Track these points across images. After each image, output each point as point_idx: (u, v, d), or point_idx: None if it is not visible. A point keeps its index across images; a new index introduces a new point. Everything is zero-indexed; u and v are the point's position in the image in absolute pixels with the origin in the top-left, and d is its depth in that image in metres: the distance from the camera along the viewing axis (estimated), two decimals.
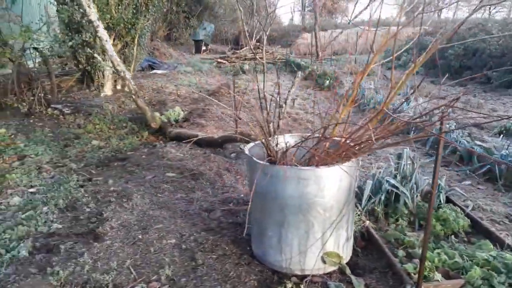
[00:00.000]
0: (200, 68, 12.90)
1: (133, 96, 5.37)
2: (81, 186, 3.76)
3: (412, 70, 1.78)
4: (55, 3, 7.57)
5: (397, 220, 2.98)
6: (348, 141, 2.06)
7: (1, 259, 2.55)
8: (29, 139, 5.17)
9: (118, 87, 8.61)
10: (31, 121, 6.02)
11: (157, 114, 5.76)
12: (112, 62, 5.11)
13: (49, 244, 2.74)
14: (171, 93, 8.52)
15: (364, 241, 2.72)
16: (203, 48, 19.76)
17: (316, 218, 2.23)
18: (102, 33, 4.88)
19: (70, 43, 7.17)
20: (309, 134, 2.58)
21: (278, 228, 2.30)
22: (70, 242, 2.74)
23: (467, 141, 4.68)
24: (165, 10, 13.46)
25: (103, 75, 7.99)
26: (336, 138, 2.26)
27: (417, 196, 3.08)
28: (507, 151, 4.04)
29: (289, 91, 3.10)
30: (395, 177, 3.06)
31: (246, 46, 17.45)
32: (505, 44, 9.75)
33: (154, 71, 11.82)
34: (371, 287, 2.27)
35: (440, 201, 3.07)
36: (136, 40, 8.28)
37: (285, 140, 2.50)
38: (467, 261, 2.37)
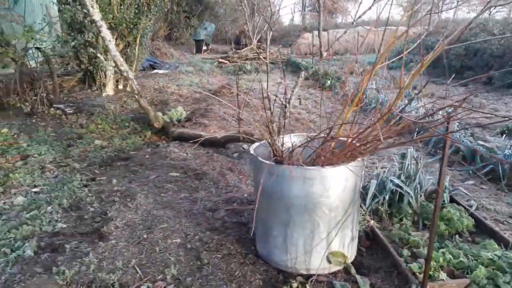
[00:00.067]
0: (202, 68, 12.90)
1: (136, 96, 5.38)
2: (85, 186, 3.77)
3: (419, 70, 1.79)
4: (57, 3, 7.57)
5: (401, 219, 2.99)
6: (354, 141, 2.06)
7: (6, 258, 2.56)
8: (32, 139, 5.17)
9: (120, 87, 8.62)
10: (34, 121, 6.03)
11: (159, 114, 5.76)
12: (115, 62, 5.11)
13: (54, 244, 2.75)
14: (173, 93, 8.53)
15: (368, 241, 2.73)
16: (204, 48, 19.77)
17: (322, 218, 2.24)
18: (105, 33, 4.88)
19: (73, 43, 7.17)
20: (314, 134, 2.59)
21: (284, 227, 2.31)
22: (75, 242, 2.74)
23: (469, 141, 4.68)
24: (166, 10, 13.47)
25: (105, 75, 7.99)
26: (342, 138, 2.26)
27: (421, 195, 3.09)
28: (510, 151, 4.05)
29: (292, 91, 3.10)
30: (399, 176, 3.07)
31: (247, 46, 17.46)
32: (506, 44, 9.75)
33: (156, 71, 11.83)
34: (376, 286, 2.28)
35: (444, 200, 3.07)
36: (138, 40, 8.29)
37: (291, 140, 2.51)
38: (472, 260, 2.38)
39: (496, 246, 2.53)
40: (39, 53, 6.64)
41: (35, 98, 6.42)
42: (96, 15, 4.79)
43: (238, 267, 2.43)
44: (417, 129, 4.53)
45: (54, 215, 3.17)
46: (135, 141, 5.24)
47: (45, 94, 6.62)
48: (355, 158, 2.22)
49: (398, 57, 2.61)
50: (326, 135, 2.24)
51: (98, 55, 6.48)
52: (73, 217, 3.16)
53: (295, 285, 2.24)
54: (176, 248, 2.65)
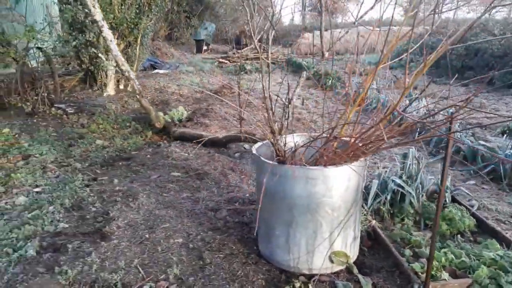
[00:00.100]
0: (202, 68, 12.90)
1: (137, 96, 5.38)
2: (87, 186, 3.77)
3: (422, 70, 1.79)
4: (58, 2, 7.58)
5: (402, 219, 2.99)
6: (357, 141, 2.07)
7: (8, 258, 2.56)
8: (33, 139, 5.18)
9: (121, 86, 8.62)
10: (35, 120, 6.03)
11: (161, 114, 5.77)
12: (116, 62, 5.11)
13: (56, 244, 2.75)
14: (173, 93, 8.53)
15: (370, 241, 2.73)
16: (204, 47, 19.76)
17: (324, 217, 2.24)
18: (107, 33, 4.89)
19: (74, 43, 7.18)
20: (316, 134, 2.59)
21: (286, 227, 2.31)
22: (77, 242, 2.75)
23: (470, 141, 4.69)
24: (166, 9, 13.49)
25: (106, 75, 8.00)
26: (345, 138, 2.27)
27: (422, 195, 3.09)
28: (511, 150, 4.05)
29: (294, 91, 3.10)
30: (400, 176, 3.07)
31: (247, 46, 17.45)
32: (507, 44, 9.76)
33: (156, 70, 11.83)
34: (378, 286, 2.28)
35: (446, 200, 3.08)
36: (139, 40, 8.29)
37: (295, 140, 2.51)
38: (474, 260, 2.38)
39: (498, 246, 2.53)
40: (40, 53, 6.65)
41: (36, 98, 6.43)
42: (98, 15, 4.79)
43: (241, 267, 2.43)
44: (418, 129, 4.54)
45: (56, 215, 3.17)
46: (136, 141, 5.24)
47: (46, 94, 6.63)
48: (358, 158, 2.23)
49: (399, 58, 2.61)
50: (328, 135, 2.24)
51: (100, 55, 6.49)
52: (75, 217, 3.16)
53: (297, 285, 2.24)
54: (178, 248, 2.65)
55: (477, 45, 10.26)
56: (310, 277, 2.33)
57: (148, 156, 4.65)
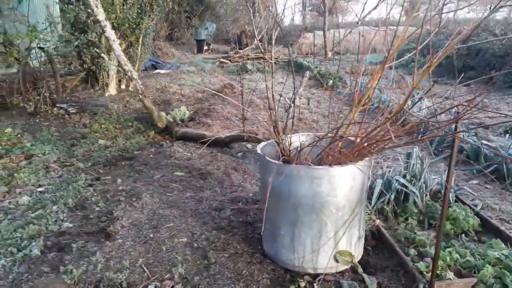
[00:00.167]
0: (203, 68, 12.90)
1: (140, 95, 5.38)
2: (90, 185, 3.77)
3: (428, 69, 1.79)
4: (60, 2, 7.58)
5: (406, 219, 2.99)
6: (362, 141, 2.07)
7: (13, 257, 2.57)
8: (36, 139, 5.18)
9: (123, 86, 8.63)
10: (37, 120, 6.04)
11: (163, 113, 5.77)
12: (119, 61, 5.11)
13: (61, 243, 2.75)
14: (175, 93, 8.53)
15: (374, 240, 2.73)
16: (205, 47, 19.73)
17: (329, 217, 2.24)
18: (110, 33, 4.89)
19: (76, 43, 7.18)
20: (321, 133, 2.60)
21: (291, 227, 2.31)
22: (82, 241, 2.75)
23: (473, 140, 4.69)
24: (167, 9, 13.48)
25: (108, 74, 8.00)
26: (351, 137, 2.27)
27: (426, 195, 3.09)
28: None
29: (297, 91, 3.11)
30: (404, 176, 3.07)
31: (248, 45, 17.45)
32: (508, 44, 9.75)
33: (157, 70, 11.83)
34: (383, 285, 2.28)
35: (450, 200, 3.08)
36: (140, 40, 8.29)
37: (300, 140, 2.51)
38: (478, 259, 2.39)
39: (503, 245, 2.53)
40: (42, 53, 6.65)
41: (38, 97, 6.44)
42: (101, 15, 4.79)
43: (245, 266, 2.43)
44: (422, 129, 4.53)
45: (60, 215, 3.18)
46: (139, 141, 5.24)
47: (48, 94, 6.63)
48: (363, 158, 2.23)
49: (402, 58, 2.61)
50: (333, 135, 2.24)
51: (102, 55, 6.49)
52: (79, 216, 3.16)
53: (302, 284, 2.25)
54: (182, 247, 2.65)
55: (479, 45, 10.25)
56: (315, 276, 2.33)
57: (151, 155, 4.66)
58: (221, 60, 14.79)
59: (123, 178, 3.94)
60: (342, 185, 2.19)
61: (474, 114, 1.73)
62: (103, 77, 8.08)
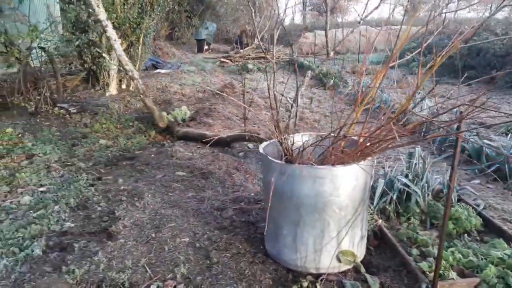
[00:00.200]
0: (203, 68, 12.90)
1: (141, 95, 5.38)
2: (91, 185, 3.77)
3: (432, 69, 1.79)
4: (60, 2, 7.58)
5: (408, 219, 2.99)
6: (365, 140, 2.06)
7: (15, 257, 2.57)
8: (37, 138, 5.18)
9: (123, 86, 8.63)
10: (38, 120, 6.04)
11: (164, 113, 5.76)
12: (120, 61, 5.11)
13: (63, 243, 2.75)
14: (175, 93, 8.53)
15: (377, 240, 2.73)
16: (205, 47, 19.73)
17: (332, 217, 2.24)
18: (111, 32, 4.88)
19: (77, 43, 7.18)
20: (323, 133, 2.59)
21: (294, 227, 2.31)
22: (84, 241, 2.75)
23: (475, 140, 4.68)
24: (167, 9, 13.47)
25: (109, 74, 8.00)
26: (354, 137, 2.27)
27: (428, 195, 3.09)
28: None
29: (299, 91, 3.11)
30: (406, 176, 3.07)
31: (248, 45, 17.44)
32: (509, 44, 9.74)
33: (158, 70, 11.83)
34: (386, 285, 2.28)
35: (452, 200, 3.07)
36: (141, 39, 8.29)
37: (303, 139, 2.51)
38: (481, 259, 2.38)
39: (506, 245, 2.53)
40: (43, 53, 6.65)
41: (39, 97, 6.43)
42: (102, 14, 4.79)
43: (248, 266, 2.43)
44: (423, 129, 4.53)
45: (62, 214, 3.17)
46: (140, 141, 5.24)
47: (48, 94, 6.63)
48: (365, 158, 2.22)
49: (405, 58, 2.61)
50: (336, 134, 2.24)
51: (104, 54, 6.49)
52: (80, 216, 3.16)
53: (305, 284, 2.24)
54: (185, 247, 2.65)
55: (479, 45, 10.25)
56: (317, 276, 2.33)
57: (152, 155, 4.65)
58: (222, 59, 14.78)
59: (124, 178, 3.94)
60: (345, 184, 2.19)
61: (477, 114, 1.72)
62: (103, 77, 8.08)
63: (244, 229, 2.87)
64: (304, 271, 2.37)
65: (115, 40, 4.97)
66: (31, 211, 3.25)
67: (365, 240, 2.53)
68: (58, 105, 6.74)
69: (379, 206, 3.03)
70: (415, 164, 3.10)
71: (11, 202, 3.43)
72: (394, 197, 3.01)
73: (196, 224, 2.96)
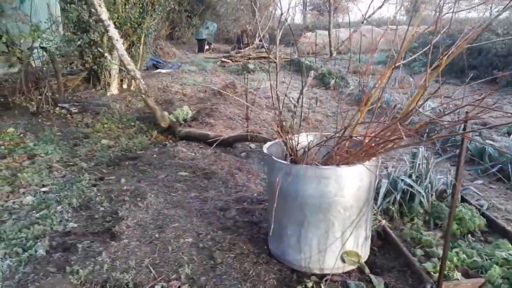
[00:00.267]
0: (204, 67, 12.89)
1: (143, 95, 5.38)
2: (94, 185, 3.77)
3: (438, 69, 1.78)
4: (61, 1, 7.57)
5: (412, 219, 2.98)
6: (371, 140, 2.06)
7: (19, 258, 2.56)
8: (38, 138, 5.18)
9: (124, 86, 8.62)
10: (39, 120, 6.03)
11: (166, 113, 5.76)
12: (122, 61, 5.11)
13: (66, 243, 2.75)
14: (177, 92, 8.52)
15: (380, 240, 2.72)
16: (206, 47, 19.69)
17: (336, 217, 2.23)
18: (113, 32, 4.88)
19: (79, 42, 7.17)
20: (327, 133, 2.59)
21: (298, 227, 2.30)
22: (87, 241, 2.74)
23: (478, 140, 4.67)
24: (168, 9, 13.47)
25: (110, 74, 7.99)
26: (360, 137, 2.26)
27: (432, 195, 3.08)
28: None
29: (302, 91, 3.10)
30: (410, 176, 3.06)
31: (249, 45, 17.42)
32: (511, 43, 9.73)
33: (158, 70, 11.82)
34: (390, 286, 2.28)
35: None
36: (142, 39, 8.28)
37: (308, 139, 2.51)
38: (486, 260, 2.38)
39: (510, 245, 2.52)
40: (44, 53, 6.64)
41: (40, 97, 6.42)
42: (104, 14, 4.78)
43: (252, 267, 2.43)
44: (426, 129, 4.52)
45: (65, 215, 3.17)
46: (142, 141, 5.23)
47: (50, 94, 6.63)
48: (370, 158, 2.22)
49: (411, 58, 2.61)
50: (341, 135, 2.23)
51: (106, 54, 6.48)
52: (83, 216, 3.16)
53: (309, 284, 2.24)
54: (188, 247, 2.65)
55: (481, 45, 10.23)
56: (321, 276, 2.32)
57: (155, 155, 4.65)
58: (223, 59, 14.76)
59: (127, 178, 3.94)
60: (350, 185, 2.18)
61: (483, 114, 1.72)
62: (105, 77, 8.07)
63: (247, 229, 2.87)
64: (308, 271, 2.37)
65: (117, 40, 4.96)
66: (33, 211, 3.24)
67: (369, 241, 2.53)
68: (60, 105, 6.73)
69: (382, 207, 3.02)
70: (419, 164, 3.10)
71: (13, 202, 3.43)
72: (398, 197, 3.01)
73: (199, 225, 2.95)
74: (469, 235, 2.75)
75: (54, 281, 2.32)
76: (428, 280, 2.22)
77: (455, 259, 2.36)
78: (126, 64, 5.16)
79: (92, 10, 5.72)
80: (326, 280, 2.28)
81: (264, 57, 13.83)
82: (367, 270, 2.38)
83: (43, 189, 3.71)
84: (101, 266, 2.43)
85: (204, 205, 3.29)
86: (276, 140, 2.59)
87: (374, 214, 2.88)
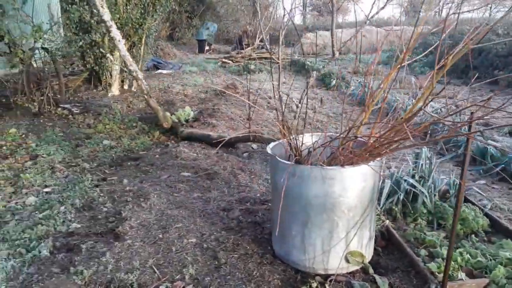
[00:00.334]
0: (205, 68, 12.90)
1: (145, 96, 5.38)
2: (96, 186, 3.77)
3: (443, 70, 1.79)
4: (63, 2, 7.58)
5: (415, 219, 2.98)
6: (376, 141, 2.06)
7: (22, 258, 2.56)
8: (40, 139, 5.18)
9: (125, 87, 8.63)
10: (41, 120, 6.04)
11: (168, 114, 5.77)
12: (124, 62, 5.11)
13: (70, 244, 2.75)
14: (178, 93, 8.53)
15: (384, 241, 2.72)
16: (207, 47, 19.72)
17: (341, 218, 2.23)
18: (115, 33, 4.88)
19: (80, 43, 7.18)
20: (328, 133, 2.59)
21: (302, 227, 2.31)
22: (91, 242, 2.74)
23: (480, 140, 4.67)
24: (168, 9, 13.47)
25: (111, 75, 8.00)
26: (365, 137, 2.26)
27: (435, 195, 3.08)
28: None
29: (306, 91, 3.10)
30: (413, 176, 3.06)
31: (250, 46, 17.43)
32: (511, 43, 9.74)
33: (159, 71, 11.83)
34: (395, 286, 2.27)
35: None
36: (143, 40, 8.29)
37: (312, 140, 2.51)
38: (490, 260, 2.38)
39: None
40: (46, 53, 6.65)
41: (42, 98, 6.43)
42: (106, 15, 4.79)
43: (256, 267, 2.43)
44: (429, 130, 4.52)
45: (68, 215, 3.17)
46: (144, 141, 5.24)
47: (51, 94, 6.63)
48: (375, 158, 2.22)
49: (417, 57, 2.61)
50: (345, 135, 2.24)
51: (107, 55, 6.48)
52: (86, 217, 3.16)
53: (314, 285, 2.24)
54: (192, 247, 2.65)
55: (479, 45, 10.24)
56: (326, 277, 2.32)
57: (157, 156, 4.65)
58: (223, 60, 14.77)
59: (129, 178, 3.94)
60: (354, 185, 2.19)
61: (488, 115, 1.72)
62: (106, 77, 8.08)
63: (251, 230, 2.87)
64: (312, 272, 2.37)
65: (119, 41, 4.97)
66: (36, 212, 3.25)
67: (373, 241, 2.53)
68: (61, 105, 6.74)
69: (385, 207, 3.02)
70: (422, 164, 3.10)
71: (16, 203, 3.43)
72: (401, 197, 3.01)
73: (202, 225, 2.95)
74: (473, 235, 2.75)
75: (58, 281, 2.32)
76: (432, 280, 2.22)
77: (459, 259, 2.36)
78: (128, 64, 5.16)
79: (94, 10, 5.72)
80: (330, 281, 2.28)
81: (265, 58, 13.83)
82: (371, 271, 2.37)
83: (46, 189, 3.71)
84: (105, 267, 2.43)
85: (207, 206, 3.29)
86: (280, 141, 2.59)
87: (377, 215, 2.89)
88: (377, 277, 2.31)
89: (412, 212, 3.01)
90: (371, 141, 2.15)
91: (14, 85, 6.46)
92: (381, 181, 3.01)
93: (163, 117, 5.52)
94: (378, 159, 2.24)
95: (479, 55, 10.42)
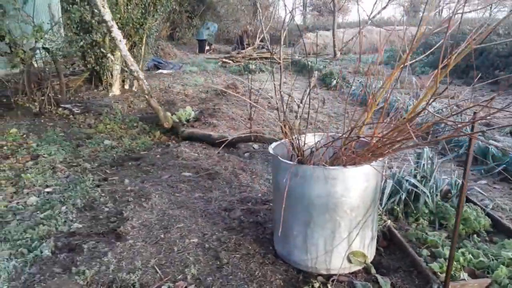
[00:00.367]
0: (205, 68, 12.90)
1: (146, 96, 5.38)
2: (97, 186, 3.77)
3: (446, 69, 1.79)
4: (64, 2, 7.58)
5: (417, 219, 2.98)
6: (378, 141, 2.06)
7: (24, 258, 2.56)
8: (41, 139, 5.18)
9: (126, 87, 8.63)
10: (42, 120, 6.04)
11: (168, 114, 5.76)
12: (125, 62, 5.11)
13: (71, 244, 2.75)
14: (178, 93, 8.53)
15: (386, 241, 2.72)
16: (207, 47, 19.72)
17: (343, 218, 2.23)
18: (116, 33, 4.88)
19: (81, 43, 7.18)
20: (330, 133, 2.59)
21: (304, 227, 2.30)
22: (92, 242, 2.74)
23: (481, 140, 4.67)
24: (169, 9, 13.45)
25: (112, 75, 8.00)
26: (366, 138, 2.26)
27: (436, 195, 3.08)
28: None
29: (309, 91, 3.10)
30: (415, 176, 3.06)
31: (250, 45, 17.43)
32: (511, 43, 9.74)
33: (160, 70, 11.83)
34: (397, 286, 2.27)
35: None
36: (144, 40, 8.29)
37: (315, 140, 2.51)
38: (492, 260, 2.38)
39: None
40: (47, 53, 6.65)
41: (42, 98, 6.43)
42: (107, 15, 4.78)
43: (258, 267, 2.42)
44: (431, 129, 4.52)
45: (69, 215, 3.17)
46: (145, 141, 5.24)
47: (52, 94, 6.63)
48: (377, 158, 2.22)
49: (421, 57, 2.60)
50: (347, 135, 2.23)
51: (109, 55, 6.48)
52: (88, 217, 3.16)
53: (316, 285, 2.24)
54: (194, 247, 2.65)
55: (482, 45, 10.25)
56: (328, 277, 2.32)
57: (158, 156, 4.65)
58: (224, 60, 14.77)
59: (130, 178, 3.94)
60: (357, 185, 2.18)
61: (491, 115, 1.72)
62: (106, 77, 8.08)
63: (252, 230, 2.87)
64: (314, 272, 2.37)
65: (120, 41, 4.97)
66: (38, 212, 3.25)
67: (375, 241, 2.53)
68: (62, 105, 6.74)
69: (387, 207, 3.02)
70: (423, 164, 3.10)
71: (17, 203, 3.43)
72: (403, 197, 3.01)
73: (204, 225, 2.95)
74: (475, 235, 2.75)
75: (60, 281, 2.32)
76: (434, 280, 2.21)
77: (461, 259, 2.36)
78: (129, 64, 5.16)
79: (95, 10, 5.72)
80: (332, 281, 2.28)
81: (266, 58, 13.84)
82: (373, 271, 2.37)
83: (47, 189, 3.71)
84: (107, 267, 2.43)
85: (209, 206, 3.29)
86: (282, 141, 2.59)
87: (379, 214, 2.88)
88: (379, 277, 2.31)
89: (414, 212, 3.01)
90: (374, 141, 2.14)
91: (15, 85, 6.46)
92: (383, 181, 3.00)
93: (164, 117, 5.52)
94: (381, 159, 2.24)
95: (480, 55, 10.41)
